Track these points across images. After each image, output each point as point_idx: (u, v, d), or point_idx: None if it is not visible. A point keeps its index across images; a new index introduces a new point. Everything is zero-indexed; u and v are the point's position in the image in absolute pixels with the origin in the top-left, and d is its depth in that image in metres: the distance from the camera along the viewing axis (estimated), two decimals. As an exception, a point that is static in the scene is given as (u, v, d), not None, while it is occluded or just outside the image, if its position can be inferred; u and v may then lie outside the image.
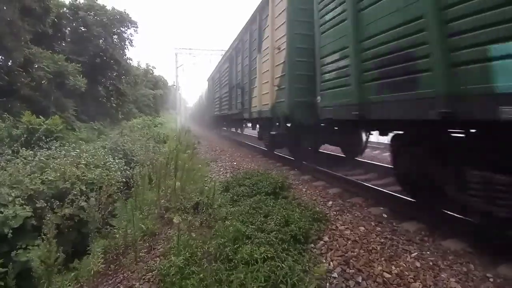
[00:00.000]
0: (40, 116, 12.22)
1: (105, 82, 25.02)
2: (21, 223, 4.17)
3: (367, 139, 6.22)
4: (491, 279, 2.42)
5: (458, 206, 3.10)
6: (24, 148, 8.26)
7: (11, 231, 3.99)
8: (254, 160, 8.81)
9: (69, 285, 3.36)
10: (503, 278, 2.42)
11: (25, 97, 14.87)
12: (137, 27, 29.40)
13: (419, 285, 2.38)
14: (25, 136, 10.68)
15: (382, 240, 3.16)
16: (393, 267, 2.65)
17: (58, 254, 3.23)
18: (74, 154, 6.92)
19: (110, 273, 3.47)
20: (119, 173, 6.53)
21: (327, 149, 8.12)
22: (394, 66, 3.20)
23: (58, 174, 5.32)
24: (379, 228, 3.46)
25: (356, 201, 4.43)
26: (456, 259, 2.73)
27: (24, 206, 4.33)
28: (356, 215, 3.92)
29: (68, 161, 6.14)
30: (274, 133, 7.43)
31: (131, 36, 29.27)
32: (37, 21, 15.90)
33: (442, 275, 2.50)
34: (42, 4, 15.53)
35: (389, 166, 4.98)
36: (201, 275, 2.63)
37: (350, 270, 2.68)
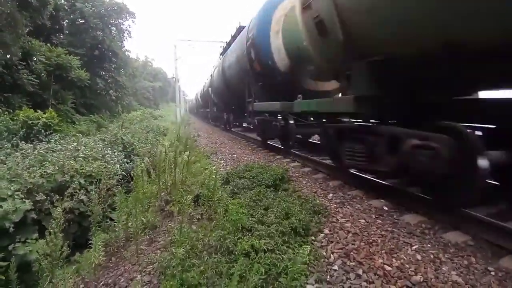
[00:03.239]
0: (38, 110, 12.20)
1: (104, 74, 24.90)
2: (21, 216, 4.17)
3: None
4: (493, 273, 2.41)
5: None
6: (23, 142, 8.25)
7: (12, 225, 3.99)
8: (254, 152, 8.79)
9: (71, 278, 3.37)
10: (504, 271, 2.41)
11: (25, 90, 14.82)
12: (135, 18, 29.19)
13: (420, 278, 2.38)
14: (23, 129, 10.66)
15: (383, 233, 3.15)
16: (394, 260, 2.64)
17: (64, 248, 3.24)
18: (72, 148, 6.89)
19: (111, 265, 3.49)
20: (119, 166, 6.51)
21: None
22: None
23: (57, 168, 5.30)
24: (380, 221, 3.45)
25: (357, 194, 4.42)
26: (457, 252, 2.73)
27: (24, 199, 4.32)
28: (356, 207, 3.91)
29: (67, 154, 6.12)
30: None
31: (129, 27, 29.09)
32: (36, 13, 15.73)
33: (443, 268, 2.49)
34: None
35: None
36: (202, 267, 2.63)
37: (351, 263, 2.68)
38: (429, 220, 3.38)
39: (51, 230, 3.16)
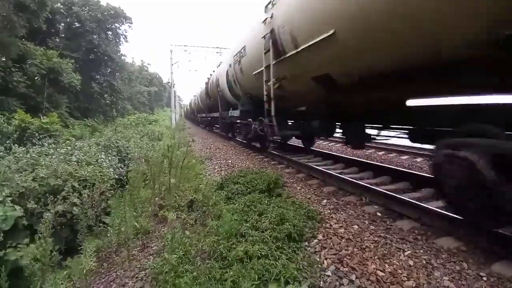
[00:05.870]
0: (33, 115, 12.14)
1: (99, 78, 24.84)
2: (12, 224, 4.09)
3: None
4: (485, 278, 2.43)
5: None
6: (16, 145, 8.15)
7: (2, 234, 3.90)
8: (249, 158, 8.79)
9: (62, 283, 3.32)
10: (496, 276, 2.43)
11: (19, 93, 14.71)
12: (131, 23, 29.25)
13: (413, 283, 2.39)
14: (17, 133, 10.57)
15: (376, 239, 3.16)
16: (387, 266, 2.65)
17: (54, 252, 3.20)
18: (65, 152, 6.82)
19: (103, 271, 3.44)
20: (113, 170, 6.46)
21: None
22: None
23: (50, 171, 5.24)
24: (373, 227, 3.47)
25: (350, 200, 4.44)
26: (449, 258, 2.75)
27: (14, 206, 4.25)
28: (350, 213, 3.93)
29: (61, 158, 6.05)
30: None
31: (126, 32, 29.15)
32: (32, 17, 15.67)
33: (435, 274, 2.51)
34: (37, -1, 15.31)
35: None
36: (195, 273, 2.61)
37: (344, 268, 2.68)
38: (421, 226, 3.40)
39: (40, 235, 3.12)
